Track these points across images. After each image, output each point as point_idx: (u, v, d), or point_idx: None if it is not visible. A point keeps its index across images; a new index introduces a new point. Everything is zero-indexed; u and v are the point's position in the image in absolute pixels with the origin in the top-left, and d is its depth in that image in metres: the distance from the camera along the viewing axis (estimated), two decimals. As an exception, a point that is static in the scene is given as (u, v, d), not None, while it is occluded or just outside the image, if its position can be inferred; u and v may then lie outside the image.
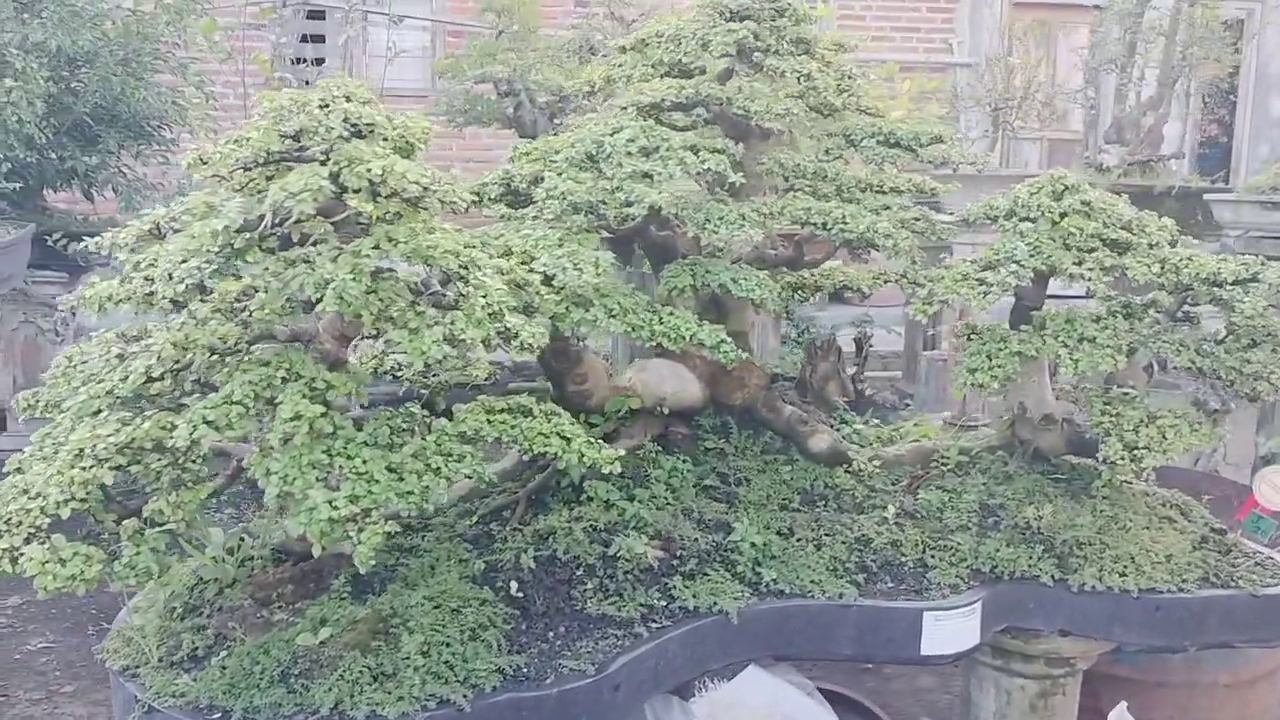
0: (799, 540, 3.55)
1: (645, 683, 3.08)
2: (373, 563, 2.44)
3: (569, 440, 2.93)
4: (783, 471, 3.87)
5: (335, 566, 3.12)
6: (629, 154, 3.33)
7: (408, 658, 2.78)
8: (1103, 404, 3.57)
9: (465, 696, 2.75)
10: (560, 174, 3.32)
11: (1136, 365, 3.76)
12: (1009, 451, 3.96)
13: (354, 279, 2.44)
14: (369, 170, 2.50)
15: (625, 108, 3.59)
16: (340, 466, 2.52)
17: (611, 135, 3.39)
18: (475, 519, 3.45)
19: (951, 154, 3.82)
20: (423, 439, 2.74)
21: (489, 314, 2.64)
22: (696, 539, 3.46)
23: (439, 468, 2.65)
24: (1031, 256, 3.48)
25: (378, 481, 2.50)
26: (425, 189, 2.61)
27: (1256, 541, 3.80)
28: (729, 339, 3.31)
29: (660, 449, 3.83)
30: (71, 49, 7.68)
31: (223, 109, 9.05)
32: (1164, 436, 3.42)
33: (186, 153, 2.68)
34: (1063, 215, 3.55)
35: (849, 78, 3.95)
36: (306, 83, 9.90)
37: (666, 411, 3.86)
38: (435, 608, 2.96)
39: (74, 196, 9.33)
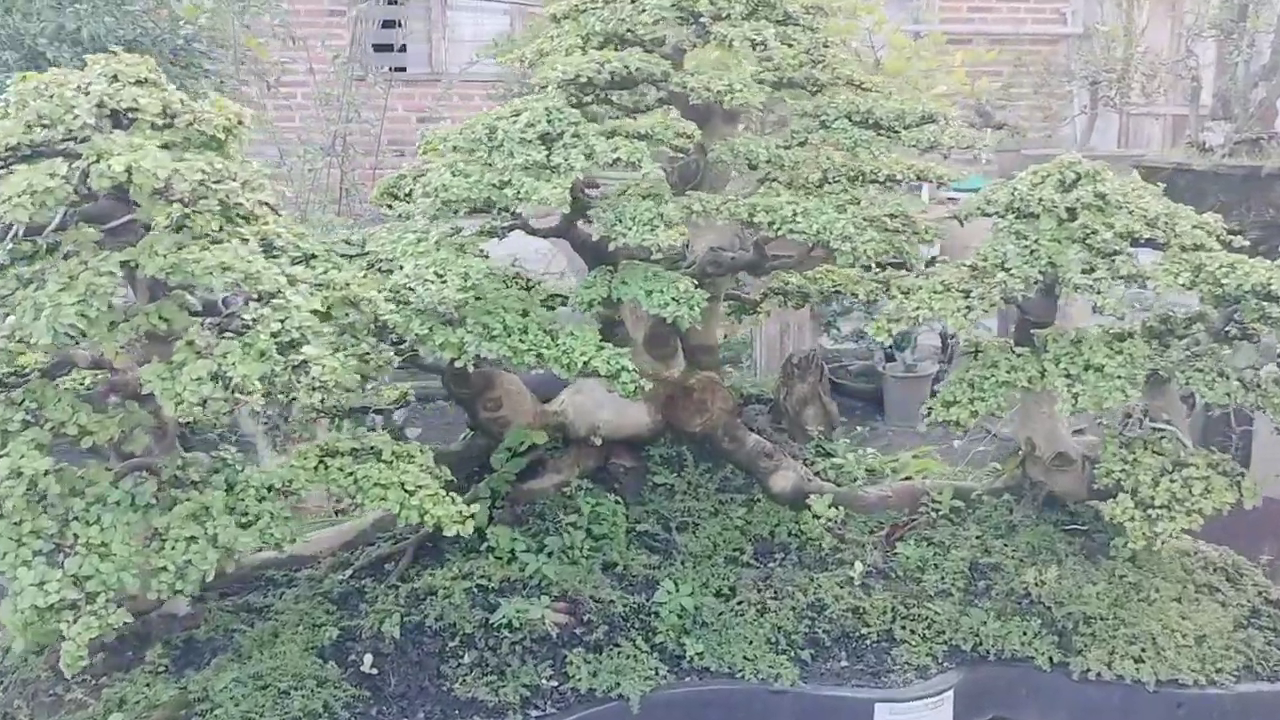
0: (740, 604, 2.95)
1: (515, 788, 2.54)
2: (83, 663, 1.94)
3: (410, 493, 2.40)
4: (738, 515, 3.28)
5: (164, 629, 2.66)
6: (525, 141, 2.76)
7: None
8: (1118, 446, 2.87)
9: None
10: (446, 167, 2.77)
11: (1172, 395, 3.04)
12: (1017, 495, 3.28)
13: (77, 304, 1.95)
14: (110, 167, 2.00)
15: (543, 86, 3.02)
16: (75, 535, 2.04)
17: (509, 119, 2.82)
18: (350, 572, 2.95)
19: (942, 137, 3.14)
20: (213, 494, 2.24)
21: (282, 344, 2.13)
22: (612, 601, 2.90)
23: (215, 535, 2.14)
24: (1025, 263, 2.80)
25: (113, 556, 2.00)
26: (201, 187, 2.11)
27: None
28: (631, 367, 2.73)
29: (593, 485, 3.28)
30: (106, 37, 7.45)
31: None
32: (1190, 492, 2.72)
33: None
34: (1071, 211, 2.86)
35: (823, 46, 3.30)
36: (391, 69, 9.55)
37: (600, 442, 3.30)
38: (259, 689, 2.47)
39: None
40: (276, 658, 2.57)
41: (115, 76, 2.18)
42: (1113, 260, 2.80)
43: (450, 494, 2.45)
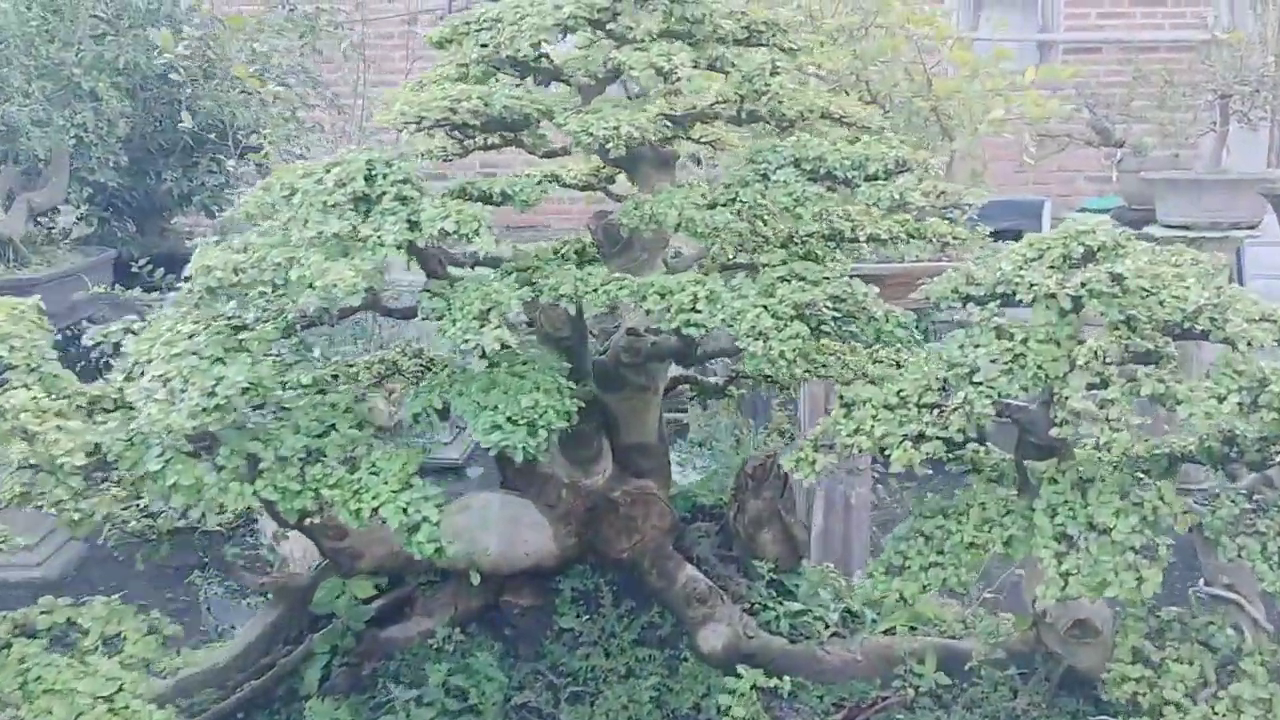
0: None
1: None
2: None
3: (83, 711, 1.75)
4: (653, 680, 2.53)
5: None
6: (330, 206, 2.09)
7: None
8: (1141, 637, 2.02)
9: None
10: (223, 243, 2.13)
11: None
12: (1026, 667, 2.44)
13: None
14: None
15: (396, 126, 2.34)
16: None
17: (319, 175, 2.16)
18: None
19: (912, 194, 2.33)
20: None
21: None
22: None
23: None
24: (1003, 374, 1.99)
25: None
26: None
27: None
28: (435, 519, 2.01)
29: (473, 634, 2.59)
30: (146, 67, 7.14)
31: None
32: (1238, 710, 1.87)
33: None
34: (1076, 301, 2.04)
35: (769, 73, 2.53)
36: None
37: (478, 579, 2.60)
38: None
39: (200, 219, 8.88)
40: None
41: None
42: (1131, 374, 1.97)
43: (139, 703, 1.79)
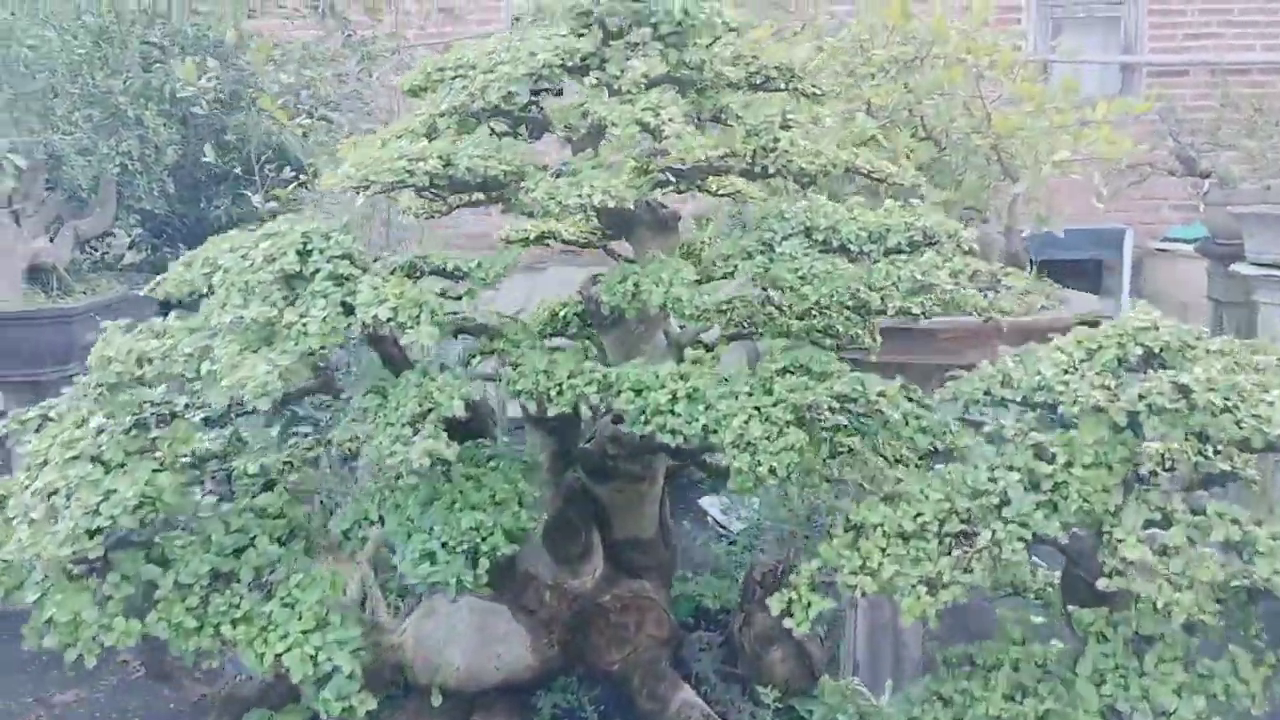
0: None
1: None
2: None
3: None
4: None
5: None
6: (253, 287, 1.81)
7: None
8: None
9: None
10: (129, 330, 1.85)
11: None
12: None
13: None
14: None
15: (355, 188, 2.05)
16: None
17: (246, 250, 1.88)
18: None
19: (937, 273, 1.98)
20: None
21: None
22: None
23: None
24: (1040, 508, 1.63)
25: None
26: None
27: None
28: (350, 670, 1.70)
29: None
30: (194, 97, 7.01)
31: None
32: None
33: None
34: (1133, 417, 1.67)
35: (778, 127, 2.19)
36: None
37: (439, 701, 2.29)
38: None
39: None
40: None
41: None
42: (1200, 507, 1.59)
43: None
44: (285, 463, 2.20)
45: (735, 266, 2.09)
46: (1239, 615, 1.74)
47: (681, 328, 2.55)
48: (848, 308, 2.37)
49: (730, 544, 3.28)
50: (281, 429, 2.53)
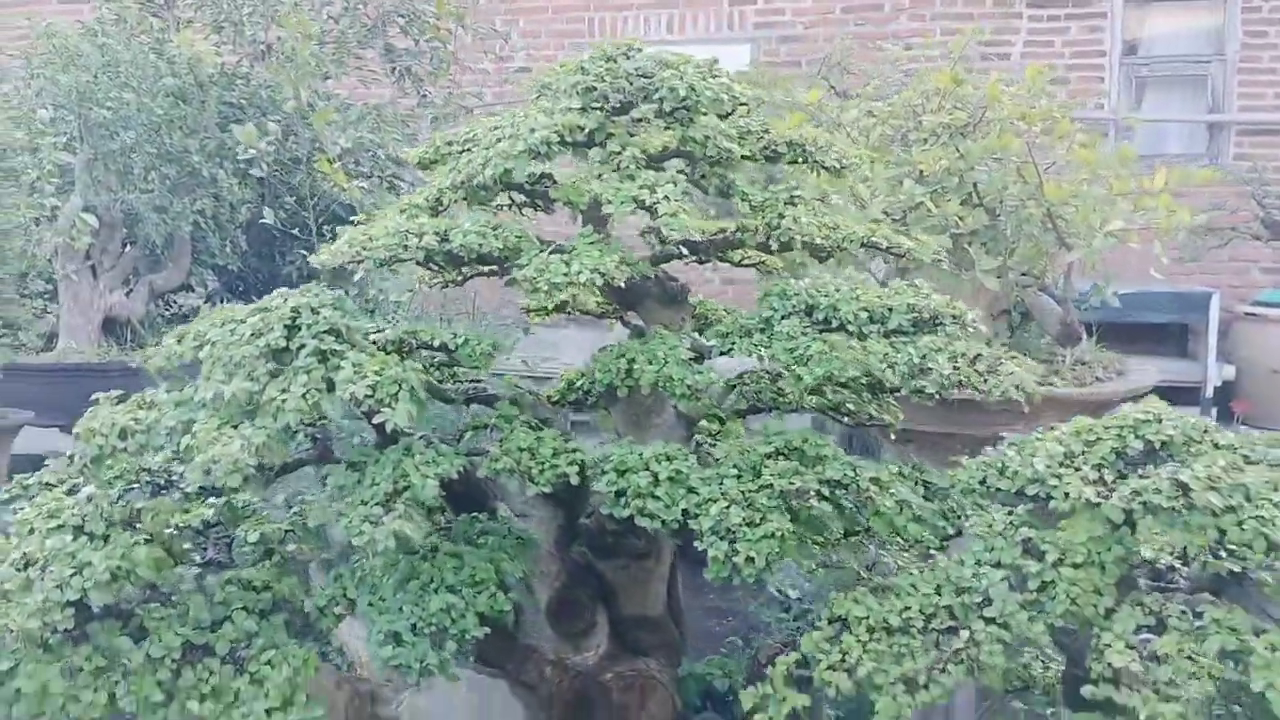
0: None
1: None
2: None
3: None
4: None
5: None
6: (239, 362, 1.82)
7: None
8: None
9: None
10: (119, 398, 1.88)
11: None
12: None
13: None
14: None
15: (327, 267, 2.06)
16: None
17: (234, 324, 1.90)
18: None
19: (936, 358, 1.91)
20: None
21: None
22: None
23: None
24: (1023, 608, 1.54)
25: None
26: None
27: None
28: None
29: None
30: (263, 157, 7.23)
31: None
32: None
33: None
34: (1128, 515, 1.58)
35: (784, 203, 2.16)
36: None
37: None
38: None
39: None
40: None
41: None
42: (1198, 611, 1.50)
43: None
44: (287, 531, 2.20)
45: (733, 345, 2.04)
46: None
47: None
48: (862, 385, 2.32)
49: (784, 610, 3.24)
50: (287, 498, 2.54)
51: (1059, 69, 8.94)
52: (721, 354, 2.08)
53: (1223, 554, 1.66)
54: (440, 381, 2.08)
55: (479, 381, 2.27)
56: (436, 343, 1.98)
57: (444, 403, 2.07)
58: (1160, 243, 5.07)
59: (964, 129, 4.77)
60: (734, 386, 2.48)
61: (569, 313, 2.81)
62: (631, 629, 2.51)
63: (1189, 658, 1.46)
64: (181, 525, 1.89)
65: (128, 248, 6.99)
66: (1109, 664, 1.49)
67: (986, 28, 8.69)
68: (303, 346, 1.85)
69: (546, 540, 2.50)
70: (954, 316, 2.02)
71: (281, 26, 6.55)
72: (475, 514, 2.15)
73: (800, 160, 2.33)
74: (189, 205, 6.77)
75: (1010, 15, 9.30)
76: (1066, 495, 1.61)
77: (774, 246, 2.32)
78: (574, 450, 1.89)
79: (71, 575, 1.66)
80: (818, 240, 2.30)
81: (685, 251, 2.46)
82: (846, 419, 2.49)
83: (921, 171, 4.65)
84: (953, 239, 4.55)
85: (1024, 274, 5.08)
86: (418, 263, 2.13)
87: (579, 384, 2.66)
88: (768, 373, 2.32)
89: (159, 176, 7.05)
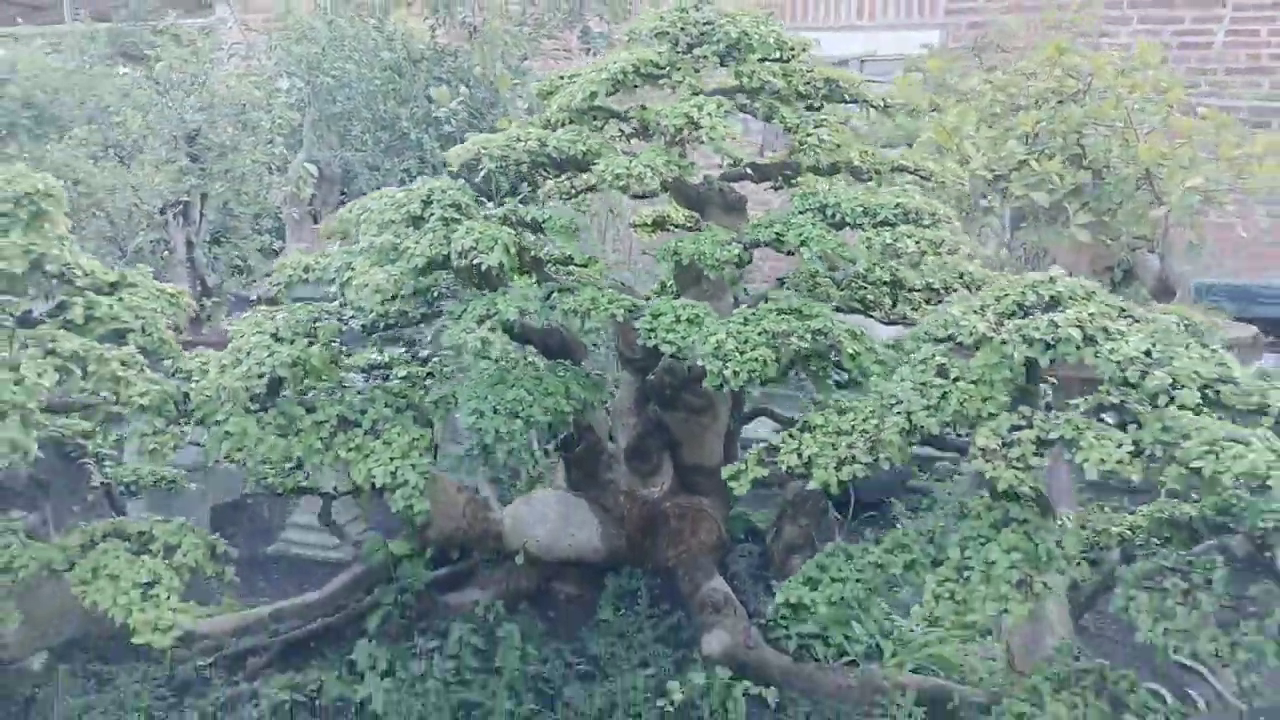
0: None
1: None
2: None
3: (128, 590, 2.27)
4: (660, 673, 2.75)
5: (14, 684, 2.73)
6: (387, 223, 2.54)
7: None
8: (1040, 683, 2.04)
9: None
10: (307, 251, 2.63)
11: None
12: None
13: None
14: None
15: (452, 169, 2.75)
16: None
17: (390, 197, 2.62)
18: (213, 659, 2.85)
19: (905, 240, 2.42)
20: None
21: None
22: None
23: None
24: (924, 408, 2.09)
25: None
26: None
27: None
28: (414, 482, 2.37)
29: (518, 610, 2.93)
30: (463, 125, 8.17)
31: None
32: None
33: None
34: (1028, 342, 2.10)
35: (813, 125, 2.72)
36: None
37: (521, 560, 2.94)
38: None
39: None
40: (69, 733, 2.52)
41: None
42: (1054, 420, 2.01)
43: (170, 597, 2.28)
44: (414, 359, 2.94)
45: (758, 234, 2.63)
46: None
47: (746, 291, 3.10)
48: (885, 283, 2.88)
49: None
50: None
51: (1262, 58, 8.96)
52: (753, 244, 2.65)
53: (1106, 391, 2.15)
54: (534, 254, 2.72)
55: (570, 260, 2.93)
56: (530, 218, 2.64)
57: (536, 267, 2.73)
58: (1262, 210, 5.30)
59: (1074, 95, 5.15)
60: (782, 281, 3.05)
61: (668, 229, 3.44)
62: (690, 474, 3.13)
63: (1033, 441, 1.98)
64: (346, 350, 2.63)
65: (344, 199, 8.02)
66: (979, 445, 2.01)
67: (1186, 17, 8.75)
68: (433, 214, 2.55)
69: (627, 399, 3.15)
70: (931, 214, 2.54)
71: (484, 10, 7.40)
72: (561, 360, 2.81)
73: (838, 98, 2.89)
74: (398, 165, 7.72)
75: (1213, 3, 9.22)
76: (970, 333, 2.14)
77: (824, 170, 2.89)
78: (624, 299, 2.52)
79: (267, 356, 2.41)
80: (856, 162, 2.87)
81: (749, 171, 3.06)
82: (874, 311, 3.02)
83: (1026, 134, 5.06)
84: (1049, 195, 4.96)
85: (1136, 236, 5.44)
86: (523, 164, 2.80)
87: (668, 281, 3.28)
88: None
89: (373, 139, 8.03)
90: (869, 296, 2.92)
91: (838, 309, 2.85)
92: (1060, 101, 5.10)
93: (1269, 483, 1.79)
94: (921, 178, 2.94)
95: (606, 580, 3.02)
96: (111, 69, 6.50)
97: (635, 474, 3.09)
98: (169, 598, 2.27)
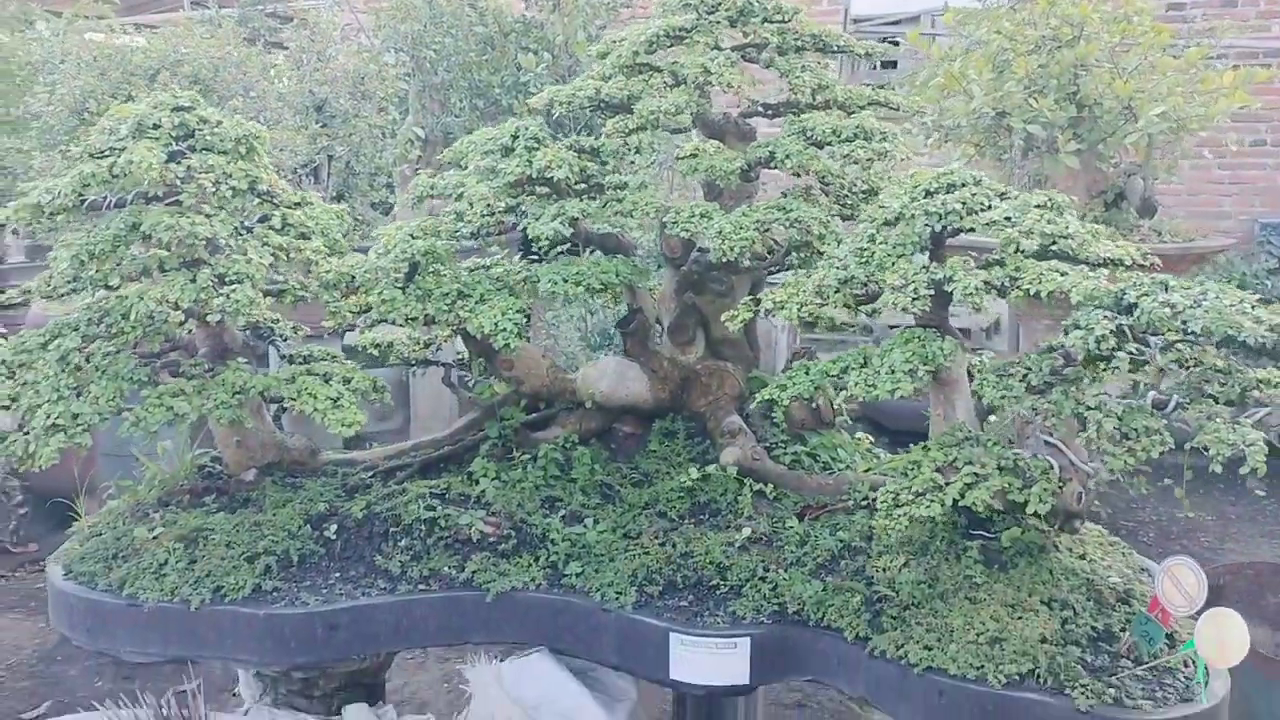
0: (633, 545, 3.49)
1: (380, 635, 3.35)
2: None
3: (329, 401, 3.36)
4: (691, 480, 3.75)
5: (235, 486, 3.83)
6: (485, 153, 3.57)
7: (181, 562, 3.42)
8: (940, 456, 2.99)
9: (201, 600, 3.31)
10: (435, 175, 3.68)
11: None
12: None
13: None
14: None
15: (537, 109, 3.78)
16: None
17: (484, 136, 3.65)
18: (373, 473, 3.93)
19: (859, 152, 3.39)
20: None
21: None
22: (534, 525, 3.58)
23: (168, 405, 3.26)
24: (858, 265, 3.05)
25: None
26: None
27: (1141, 653, 2.84)
28: (510, 329, 3.38)
29: (590, 443, 3.96)
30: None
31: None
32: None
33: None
34: (930, 215, 3.04)
35: (800, 70, 3.67)
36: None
37: (590, 405, 3.96)
38: (250, 528, 3.54)
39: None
40: (278, 514, 3.62)
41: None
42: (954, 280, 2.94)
43: (350, 406, 3.36)
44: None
45: (758, 153, 3.60)
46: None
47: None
48: (864, 193, 3.82)
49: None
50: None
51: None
52: (755, 161, 3.61)
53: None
54: (596, 180, 3.72)
55: (625, 185, 3.92)
56: (589, 147, 3.64)
57: (598, 191, 3.72)
58: (1234, 135, 6.06)
59: (1070, 42, 5.99)
60: (784, 194, 4.00)
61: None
62: (718, 345, 4.10)
63: (925, 282, 2.91)
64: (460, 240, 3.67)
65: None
66: (887, 282, 2.96)
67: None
68: (519, 144, 3.57)
69: (669, 290, 4.14)
70: (881, 133, 3.47)
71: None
72: (616, 253, 3.81)
73: (817, 48, 3.82)
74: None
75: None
76: (892, 211, 3.08)
77: (818, 105, 3.84)
78: (658, 203, 3.51)
79: (405, 246, 3.46)
80: (841, 99, 3.81)
81: (762, 109, 4.01)
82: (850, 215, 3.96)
83: (1023, 77, 5.93)
84: (1044, 129, 5.83)
85: (1127, 163, 6.28)
86: (585, 108, 3.79)
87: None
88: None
89: (469, 105, 9.11)
90: (851, 202, 3.86)
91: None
92: (1058, 47, 5.93)
93: (1072, 294, 2.72)
94: (891, 109, 3.86)
95: (654, 423, 4.02)
96: (251, 50, 7.66)
97: (675, 345, 4.08)
98: (349, 405, 3.35)
